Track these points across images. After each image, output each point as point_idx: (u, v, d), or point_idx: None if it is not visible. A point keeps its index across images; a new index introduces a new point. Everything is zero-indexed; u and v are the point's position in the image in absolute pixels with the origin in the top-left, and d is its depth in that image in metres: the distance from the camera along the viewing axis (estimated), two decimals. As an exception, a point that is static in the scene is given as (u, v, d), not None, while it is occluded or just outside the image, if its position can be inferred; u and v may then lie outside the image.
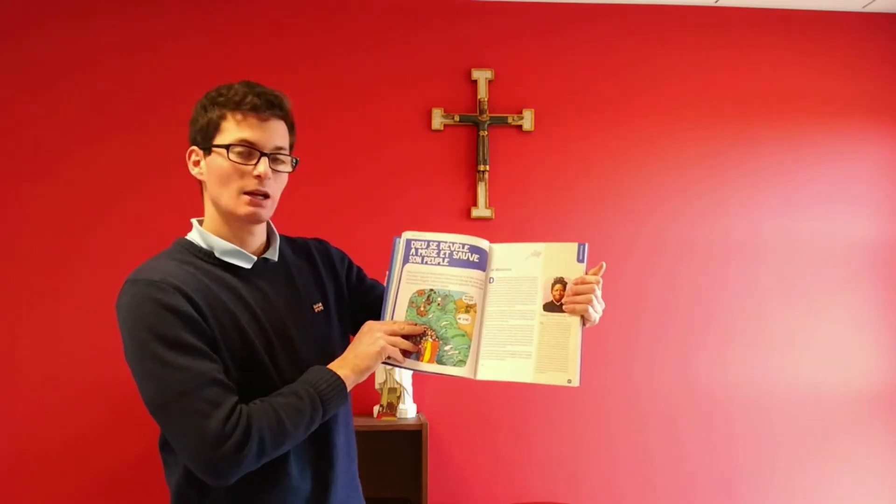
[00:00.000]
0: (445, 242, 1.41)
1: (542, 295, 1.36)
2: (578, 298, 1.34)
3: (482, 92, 2.77)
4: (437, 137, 2.77)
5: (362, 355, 1.28)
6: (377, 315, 1.41)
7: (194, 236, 1.32)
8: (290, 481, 1.27)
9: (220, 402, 1.14)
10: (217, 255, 1.29)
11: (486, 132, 2.76)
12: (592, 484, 2.75)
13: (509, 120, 2.78)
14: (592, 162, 2.82)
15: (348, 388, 1.26)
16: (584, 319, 1.35)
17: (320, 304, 1.39)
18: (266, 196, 1.28)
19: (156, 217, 2.63)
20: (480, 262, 1.40)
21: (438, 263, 1.40)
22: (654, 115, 2.84)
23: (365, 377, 1.30)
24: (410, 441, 2.51)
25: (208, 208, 1.33)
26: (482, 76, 2.78)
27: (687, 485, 2.77)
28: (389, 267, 1.41)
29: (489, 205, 2.76)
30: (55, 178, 2.63)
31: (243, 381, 1.22)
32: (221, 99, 1.27)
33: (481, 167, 2.75)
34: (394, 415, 2.53)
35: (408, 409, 2.55)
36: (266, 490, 1.25)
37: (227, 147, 1.25)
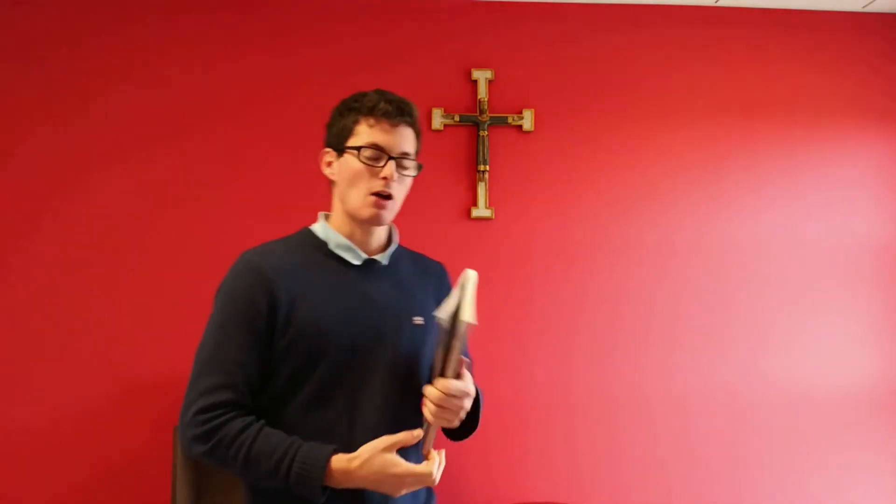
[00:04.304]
0: None
1: None
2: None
3: (482, 92, 2.77)
4: (437, 137, 2.77)
5: (370, 486, 1.23)
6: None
7: (316, 227, 1.42)
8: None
9: (216, 390, 1.24)
10: (330, 247, 1.38)
11: (486, 132, 2.76)
12: (592, 484, 2.74)
13: (509, 120, 2.78)
14: (593, 162, 2.82)
15: (324, 484, 1.21)
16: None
17: (421, 319, 1.40)
18: (389, 197, 1.35)
19: (162, 218, 2.64)
20: None
21: None
22: (654, 115, 2.84)
23: None
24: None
25: (335, 205, 1.41)
26: (482, 76, 2.78)
27: (686, 484, 2.77)
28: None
29: (489, 205, 2.76)
30: (61, 185, 2.64)
31: (314, 369, 1.28)
32: (356, 105, 1.36)
33: (481, 167, 2.75)
34: (394, 415, 2.53)
35: (408, 409, 2.55)
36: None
37: (359, 149, 1.33)
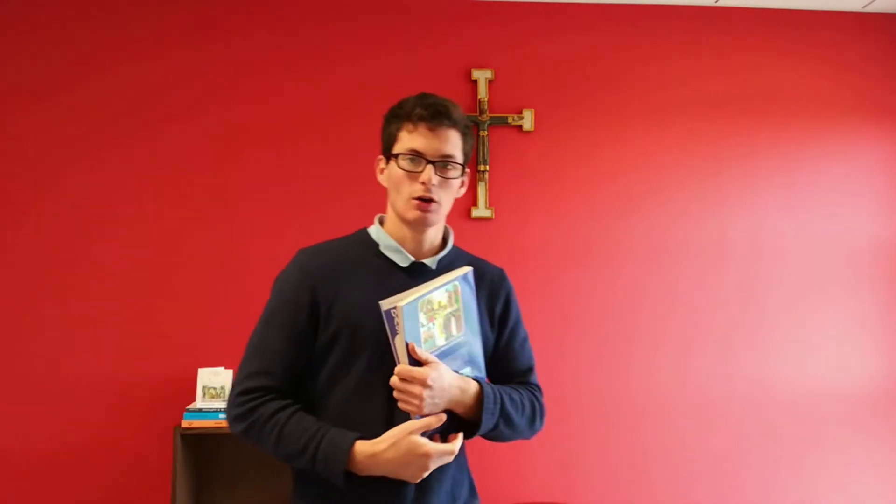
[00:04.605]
0: None
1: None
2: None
3: (482, 92, 2.77)
4: (437, 137, 2.77)
5: (393, 471, 1.26)
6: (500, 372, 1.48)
7: (371, 229, 1.49)
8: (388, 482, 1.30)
9: (256, 375, 1.33)
10: (381, 248, 1.43)
11: (486, 132, 2.76)
12: (591, 484, 2.75)
13: (509, 120, 2.78)
14: (592, 162, 2.82)
15: (348, 469, 1.26)
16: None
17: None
18: (431, 201, 1.37)
19: (161, 219, 2.64)
20: None
21: None
22: (654, 114, 2.84)
23: None
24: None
25: (388, 208, 1.46)
26: (482, 76, 2.78)
27: (685, 485, 2.77)
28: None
29: (489, 205, 2.76)
30: (60, 182, 2.64)
31: (353, 365, 1.33)
32: (399, 111, 1.41)
33: (481, 167, 2.75)
34: (394, 415, 2.54)
35: (408, 409, 2.55)
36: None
37: (398, 156, 1.38)
